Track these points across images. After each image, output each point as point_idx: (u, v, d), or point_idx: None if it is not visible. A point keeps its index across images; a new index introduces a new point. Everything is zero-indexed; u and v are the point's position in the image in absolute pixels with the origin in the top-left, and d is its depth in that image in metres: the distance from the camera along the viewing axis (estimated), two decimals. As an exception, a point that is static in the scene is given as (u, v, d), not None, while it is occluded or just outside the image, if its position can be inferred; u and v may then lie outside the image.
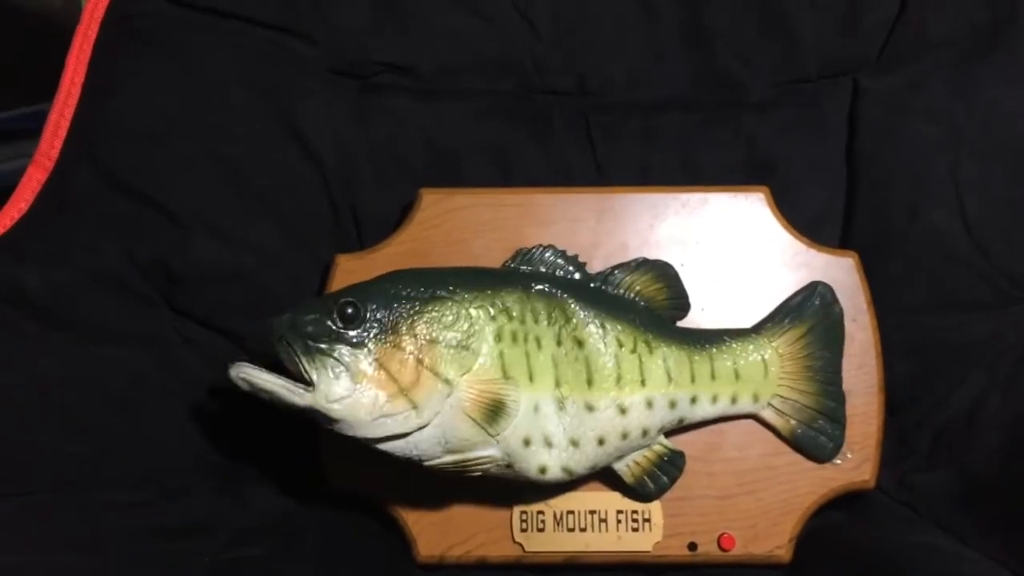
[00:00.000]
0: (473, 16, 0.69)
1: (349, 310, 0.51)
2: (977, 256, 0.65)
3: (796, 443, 0.60)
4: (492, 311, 0.54)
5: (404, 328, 0.52)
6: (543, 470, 0.55)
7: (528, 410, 0.54)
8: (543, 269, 0.58)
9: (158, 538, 0.56)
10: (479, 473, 0.54)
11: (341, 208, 0.68)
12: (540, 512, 0.60)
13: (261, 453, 0.65)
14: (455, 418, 0.52)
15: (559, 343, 0.55)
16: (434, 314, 0.52)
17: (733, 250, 0.62)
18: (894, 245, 0.66)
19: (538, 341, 0.55)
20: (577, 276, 0.58)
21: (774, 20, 0.69)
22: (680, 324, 0.60)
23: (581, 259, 0.59)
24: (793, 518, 0.60)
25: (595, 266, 0.60)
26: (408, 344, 0.51)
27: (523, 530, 0.60)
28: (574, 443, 0.55)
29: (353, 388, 0.50)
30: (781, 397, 0.60)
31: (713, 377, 0.58)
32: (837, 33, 0.69)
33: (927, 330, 0.66)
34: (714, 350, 0.59)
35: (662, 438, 0.58)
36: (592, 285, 0.58)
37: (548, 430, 0.54)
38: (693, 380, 0.58)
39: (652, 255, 0.61)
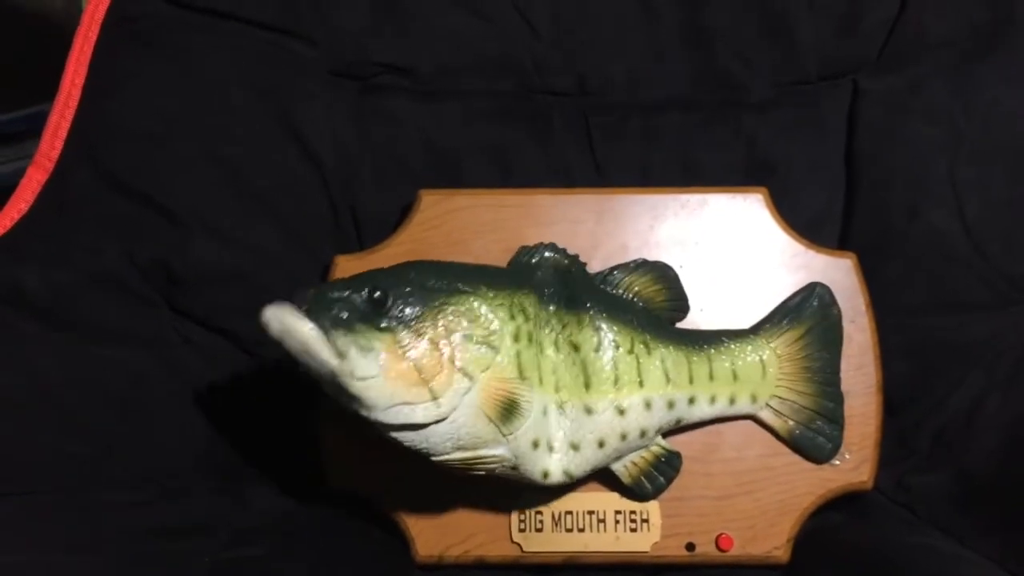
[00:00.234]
0: (473, 16, 0.69)
1: (378, 294, 0.50)
2: (976, 257, 0.65)
3: (794, 444, 0.60)
4: (512, 311, 0.54)
5: (431, 320, 0.51)
6: (545, 474, 0.55)
7: (538, 412, 0.54)
8: (545, 268, 0.57)
9: (158, 538, 0.57)
10: (483, 472, 0.54)
11: (341, 209, 0.68)
12: (538, 512, 0.60)
13: (261, 453, 0.66)
14: (471, 415, 0.51)
15: (557, 347, 0.55)
16: (459, 308, 0.52)
17: (732, 251, 0.62)
18: (893, 246, 0.66)
19: (541, 344, 0.55)
20: (577, 276, 0.58)
21: (774, 21, 0.69)
22: (679, 325, 0.61)
23: (581, 260, 0.59)
24: (791, 519, 0.60)
25: (594, 267, 0.60)
26: (434, 336, 0.50)
27: (521, 530, 0.60)
28: (574, 447, 0.55)
29: (379, 370, 0.48)
30: (779, 398, 0.60)
31: (711, 378, 0.58)
32: (836, 34, 0.69)
33: (926, 331, 0.66)
34: (712, 351, 0.59)
35: (660, 439, 0.58)
36: (591, 285, 0.58)
37: (551, 433, 0.54)
38: (691, 381, 0.58)
39: (651, 256, 0.61)
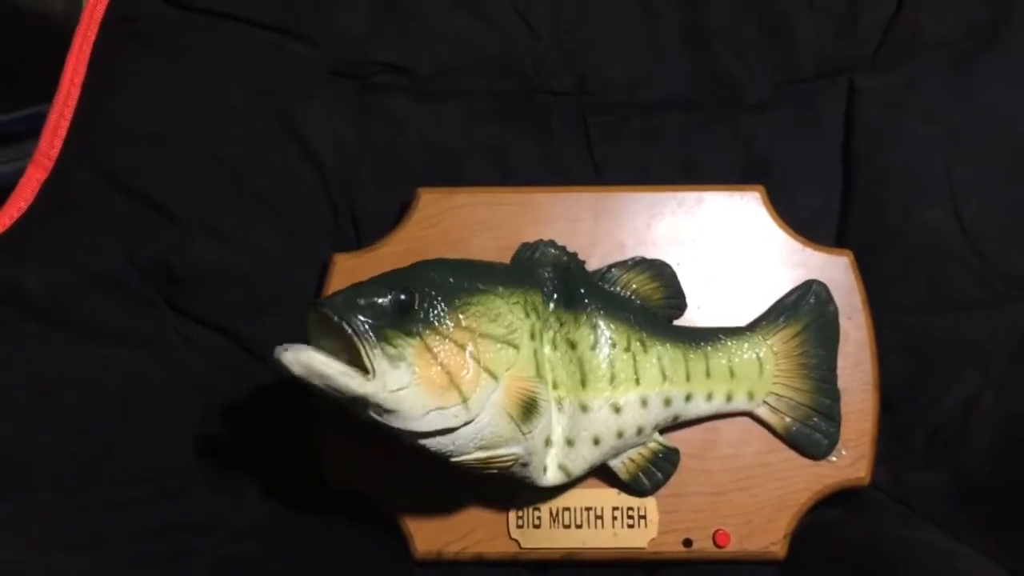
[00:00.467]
0: (472, 17, 0.69)
1: (404, 297, 0.49)
2: (972, 255, 0.65)
3: (791, 440, 0.60)
4: (526, 308, 0.54)
5: (455, 320, 0.50)
6: (544, 469, 0.55)
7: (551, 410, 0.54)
8: (545, 266, 0.57)
9: (158, 537, 0.57)
10: (495, 471, 0.53)
11: (340, 209, 0.68)
12: (536, 509, 0.60)
13: (261, 452, 0.66)
14: (495, 415, 0.50)
15: (554, 345, 0.55)
16: (481, 307, 0.51)
17: (729, 249, 0.63)
18: (890, 244, 0.66)
19: (541, 341, 0.55)
20: (575, 274, 0.58)
21: (773, 21, 0.70)
22: (676, 323, 0.61)
23: (579, 258, 0.59)
24: (788, 515, 0.60)
25: (592, 265, 0.60)
26: (460, 337, 0.49)
27: (519, 527, 0.60)
28: (570, 443, 0.55)
29: (411, 379, 0.47)
30: (776, 395, 0.60)
31: (708, 375, 0.58)
32: (834, 33, 0.69)
33: (922, 329, 0.66)
34: (709, 348, 0.59)
35: (657, 435, 0.59)
36: (589, 283, 0.58)
37: (551, 430, 0.55)
38: (688, 378, 0.58)
39: (649, 254, 0.61)
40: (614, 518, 0.60)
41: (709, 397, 0.59)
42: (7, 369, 0.60)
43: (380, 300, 0.48)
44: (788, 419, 0.60)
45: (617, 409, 0.56)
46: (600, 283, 0.59)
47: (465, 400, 0.49)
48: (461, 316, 0.50)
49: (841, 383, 0.61)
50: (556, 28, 0.70)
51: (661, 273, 0.60)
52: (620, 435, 0.56)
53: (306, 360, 0.45)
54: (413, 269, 0.52)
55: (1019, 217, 0.65)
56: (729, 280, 0.62)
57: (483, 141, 0.69)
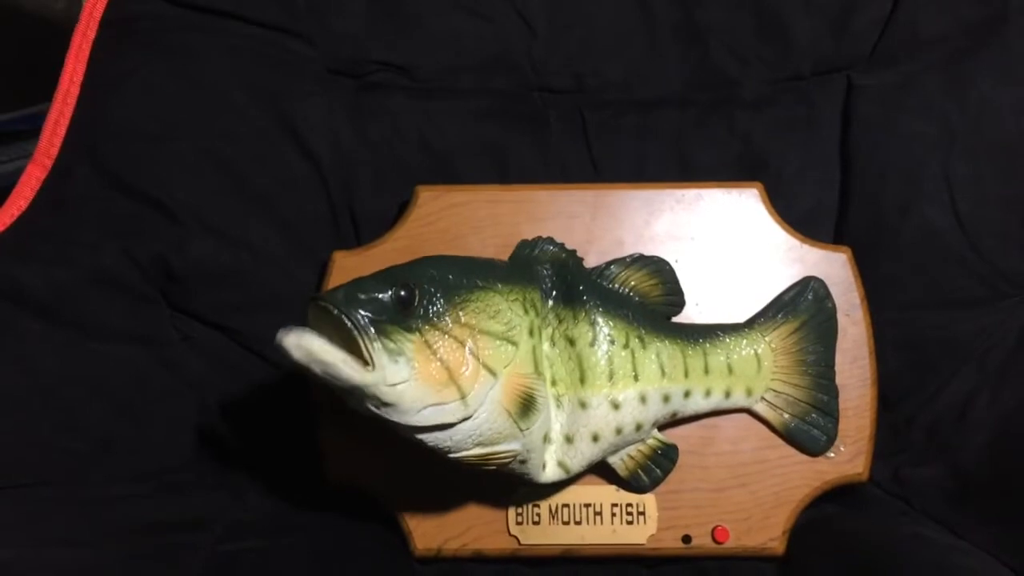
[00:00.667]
0: (470, 16, 0.69)
1: (404, 293, 0.48)
2: (969, 252, 0.65)
3: (789, 436, 0.60)
4: (525, 305, 0.54)
5: (454, 317, 0.50)
6: (543, 466, 0.55)
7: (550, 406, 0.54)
8: (544, 263, 0.57)
9: (157, 533, 0.57)
10: (493, 467, 0.53)
11: (339, 207, 0.68)
12: (535, 505, 0.60)
13: (260, 448, 0.66)
14: (493, 411, 0.50)
15: (553, 341, 0.55)
16: (480, 304, 0.51)
17: (727, 246, 0.63)
18: (887, 241, 0.66)
19: (540, 338, 0.55)
20: (574, 271, 0.58)
21: (768, 18, 0.70)
22: (675, 319, 0.61)
23: (577, 254, 0.59)
24: (786, 511, 0.60)
25: (591, 262, 0.60)
26: (459, 333, 0.49)
27: (519, 523, 0.60)
28: (568, 439, 0.55)
29: (411, 374, 0.47)
30: (774, 391, 0.60)
31: (706, 371, 0.58)
32: (830, 31, 0.70)
33: (920, 325, 0.66)
34: (707, 345, 0.59)
35: (656, 432, 0.59)
36: (587, 280, 0.58)
37: (550, 427, 0.55)
38: (686, 375, 0.58)
39: (647, 251, 0.61)
40: (613, 514, 0.60)
41: (707, 393, 0.59)
42: (7, 366, 0.59)
43: (380, 295, 0.48)
44: (786, 415, 0.60)
45: (616, 405, 0.56)
46: (599, 280, 0.59)
47: (464, 396, 0.49)
48: (460, 312, 0.50)
49: (839, 379, 0.61)
50: (554, 27, 0.70)
51: (659, 270, 0.60)
52: (619, 431, 0.56)
53: (307, 345, 0.45)
54: (413, 265, 0.52)
55: (1016, 214, 0.65)
56: (727, 277, 0.62)
57: (481, 139, 0.69)
